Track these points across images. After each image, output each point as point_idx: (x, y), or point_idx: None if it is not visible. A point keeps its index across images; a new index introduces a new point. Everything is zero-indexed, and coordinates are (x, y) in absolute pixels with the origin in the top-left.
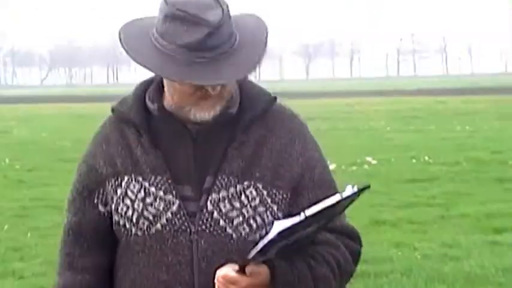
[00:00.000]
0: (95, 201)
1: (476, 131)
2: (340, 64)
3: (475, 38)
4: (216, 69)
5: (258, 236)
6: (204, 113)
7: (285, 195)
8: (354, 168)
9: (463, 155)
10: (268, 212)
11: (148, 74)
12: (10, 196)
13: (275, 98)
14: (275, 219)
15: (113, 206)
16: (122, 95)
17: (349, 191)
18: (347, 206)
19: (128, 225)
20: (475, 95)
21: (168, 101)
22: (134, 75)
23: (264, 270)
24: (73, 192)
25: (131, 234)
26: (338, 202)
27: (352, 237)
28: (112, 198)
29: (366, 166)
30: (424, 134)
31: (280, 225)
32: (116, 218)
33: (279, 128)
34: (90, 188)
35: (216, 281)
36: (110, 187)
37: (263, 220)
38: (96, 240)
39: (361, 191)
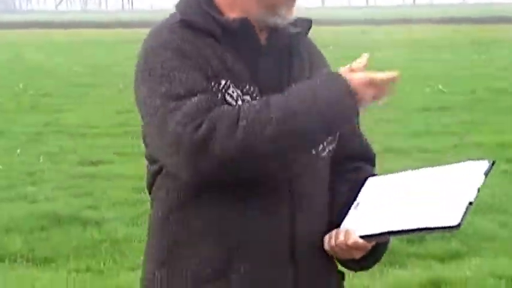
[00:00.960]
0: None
1: (492, 60)
2: None
3: None
4: None
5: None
6: (291, 15)
7: None
8: None
9: (479, 84)
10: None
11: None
12: (23, 121)
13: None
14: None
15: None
16: (137, 21)
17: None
18: None
19: None
20: (491, 24)
21: (254, 8)
22: (149, 1)
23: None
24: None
25: None
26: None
27: (374, 162)
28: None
29: None
30: (440, 63)
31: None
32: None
33: (313, 51)
34: (208, 74)
35: (335, 247)
36: (211, 88)
37: (331, 142)
38: None
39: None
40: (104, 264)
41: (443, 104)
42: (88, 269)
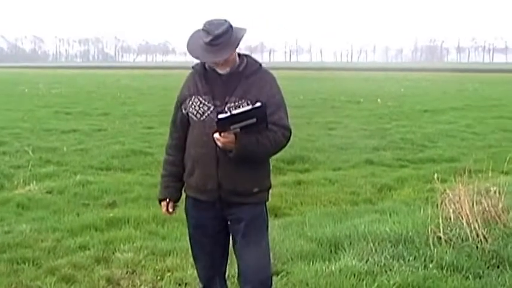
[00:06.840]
0: (181, 107)
1: None
2: None
3: None
4: (215, 54)
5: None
6: (222, 71)
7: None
8: None
9: None
10: None
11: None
12: None
13: (261, 64)
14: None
15: (188, 109)
16: None
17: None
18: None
19: (193, 117)
20: None
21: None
22: None
23: (233, 136)
24: (175, 105)
25: (194, 121)
26: (258, 108)
27: (286, 128)
28: (188, 106)
29: None
30: None
31: (235, 111)
32: (188, 114)
33: (260, 78)
34: (180, 102)
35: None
36: (187, 101)
37: None
38: (181, 126)
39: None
40: None
41: None
42: None
